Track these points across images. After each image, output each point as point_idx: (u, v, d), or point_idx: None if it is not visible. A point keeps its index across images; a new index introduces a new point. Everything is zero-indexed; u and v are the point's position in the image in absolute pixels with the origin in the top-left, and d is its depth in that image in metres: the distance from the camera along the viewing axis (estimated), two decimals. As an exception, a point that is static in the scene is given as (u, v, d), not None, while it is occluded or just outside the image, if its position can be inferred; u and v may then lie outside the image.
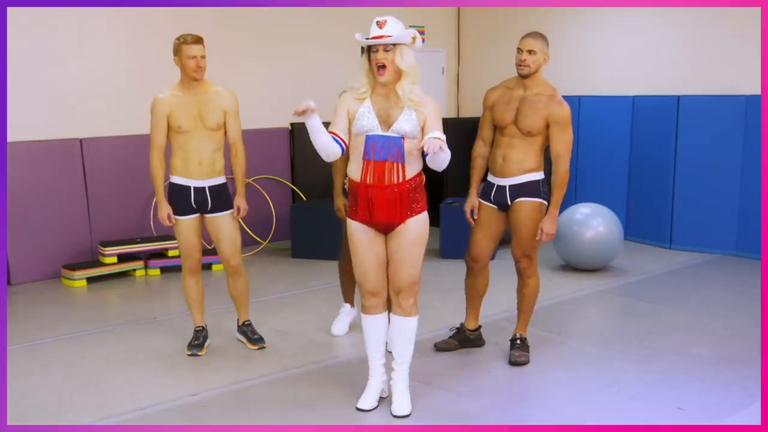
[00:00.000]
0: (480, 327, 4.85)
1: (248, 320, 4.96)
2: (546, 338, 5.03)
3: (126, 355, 4.84)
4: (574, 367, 4.57)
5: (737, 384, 4.27)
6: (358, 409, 3.93)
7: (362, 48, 3.72)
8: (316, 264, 7.06)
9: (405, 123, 3.63)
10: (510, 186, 4.43)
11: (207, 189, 4.59)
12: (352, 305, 5.25)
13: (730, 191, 7.26)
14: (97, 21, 6.94)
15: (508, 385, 4.36)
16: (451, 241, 7.23)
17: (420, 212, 3.76)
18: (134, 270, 6.82)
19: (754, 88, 7.04)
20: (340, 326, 5.17)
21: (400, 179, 3.67)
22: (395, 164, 3.65)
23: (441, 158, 3.58)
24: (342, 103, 3.78)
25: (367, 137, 3.66)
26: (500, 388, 4.29)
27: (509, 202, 4.46)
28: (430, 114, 3.69)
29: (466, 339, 4.82)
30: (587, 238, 6.62)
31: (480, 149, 4.58)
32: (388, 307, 3.96)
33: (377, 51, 3.61)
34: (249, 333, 4.91)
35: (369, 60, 3.67)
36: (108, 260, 6.65)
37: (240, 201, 4.68)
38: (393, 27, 3.60)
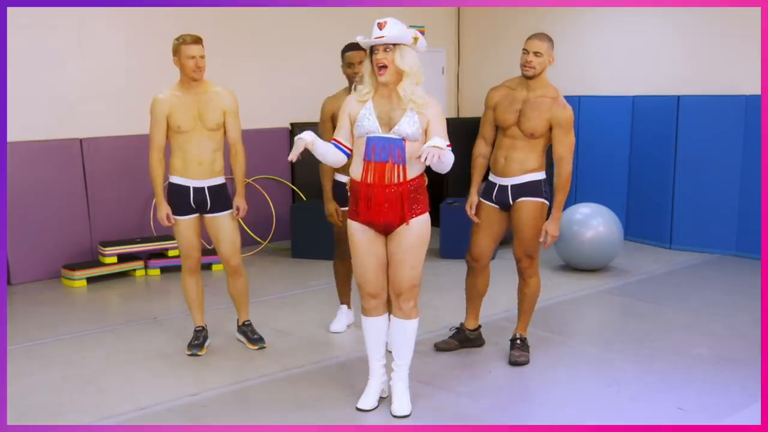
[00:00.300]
0: (480, 327, 4.85)
1: (248, 320, 4.96)
2: (546, 338, 5.03)
3: (126, 355, 4.84)
4: (574, 367, 4.57)
5: (737, 384, 4.27)
6: (358, 409, 3.93)
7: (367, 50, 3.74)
8: (316, 264, 7.06)
9: (407, 125, 3.63)
10: (512, 186, 4.43)
11: (206, 189, 4.59)
12: (349, 306, 5.25)
13: (730, 191, 7.26)
14: (97, 21, 6.94)
15: (508, 385, 4.36)
16: (451, 241, 7.23)
17: (421, 213, 3.75)
18: (134, 270, 6.82)
19: (754, 88, 7.04)
20: (338, 325, 5.18)
21: (401, 180, 3.66)
22: (396, 165, 3.65)
23: (445, 162, 3.58)
24: (344, 108, 3.80)
25: (368, 139, 3.66)
26: (500, 388, 4.29)
27: (511, 202, 4.46)
28: (433, 117, 3.67)
29: (465, 339, 4.82)
30: (587, 238, 6.62)
31: (481, 148, 4.58)
32: (389, 308, 3.95)
33: (377, 52, 3.61)
34: (249, 333, 4.91)
35: (371, 61, 3.67)
36: (108, 260, 6.65)
37: (239, 201, 4.68)
38: (392, 28, 3.59)
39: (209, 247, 6.21)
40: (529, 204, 4.42)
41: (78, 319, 5.57)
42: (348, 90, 4.82)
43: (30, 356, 4.81)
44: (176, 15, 7.13)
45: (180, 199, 4.59)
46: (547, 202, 4.46)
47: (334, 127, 4.73)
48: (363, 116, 3.68)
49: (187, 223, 4.62)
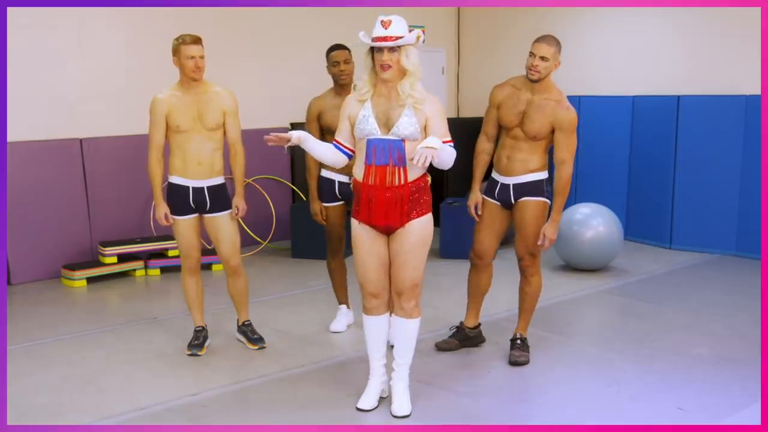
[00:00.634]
0: (479, 325, 4.85)
1: (248, 320, 4.96)
2: (546, 338, 5.03)
3: (126, 355, 4.84)
4: (574, 367, 4.57)
5: (737, 384, 4.27)
6: (358, 409, 3.93)
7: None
8: (316, 264, 7.05)
9: (404, 126, 3.61)
10: (514, 185, 4.44)
11: (206, 189, 4.59)
12: (348, 306, 5.26)
13: (730, 191, 7.26)
14: (97, 21, 6.94)
15: (508, 385, 4.36)
16: (451, 241, 7.23)
17: (424, 214, 3.75)
18: (134, 270, 6.82)
19: (754, 88, 7.04)
20: (338, 325, 5.19)
21: (402, 182, 3.66)
22: (396, 168, 3.64)
23: (443, 159, 3.58)
24: (344, 109, 3.79)
25: (368, 141, 3.65)
26: (500, 388, 4.29)
27: (513, 201, 4.47)
28: (432, 115, 3.66)
29: (466, 337, 4.82)
30: (587, 238, 6.62)
31: (483, 145, 4.58)
32: (390, 307, 3.95)
33: (382, 52, 3.58)
34: (249, 333, 4.91)
35: (372, 59, 3.64)
36: (108, 260, 6.65)
37: (239, 201, 4.68)
38: (399, 27, 3.56)
39: (209, 247, 6.21)
40: (531, 203, 4.43)
41: (78, 319, 5.57)
42: (334, 90, 4.88)
43: (30, 356, 4.81)
44: (176, 15, 7.13)
45: (179, 199, 4.59)
46: (548, 201, 4.46)
47: (320, 127, 4.83)
48: (363, 118, 3.66)
49: (186, 223, 4.62)
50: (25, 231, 6.55)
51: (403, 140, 3.63)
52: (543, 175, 4.44)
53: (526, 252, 4.51)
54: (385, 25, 3.56)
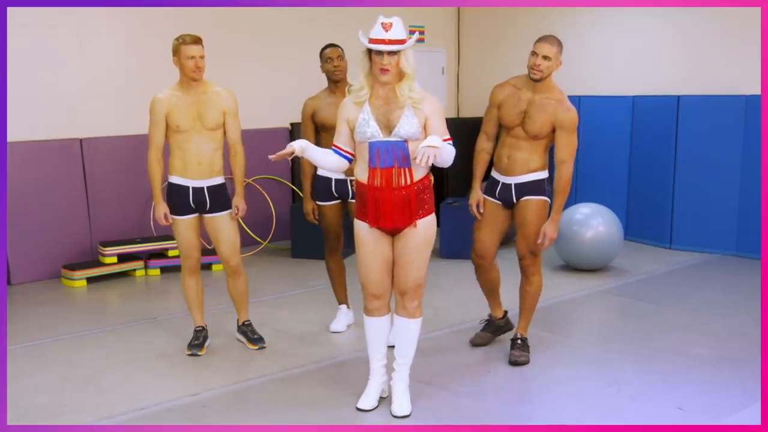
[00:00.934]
0: (506, 313, 4.88)
1: (248, 320, 4.96)
2: (546, 338, 5.03)
3: (126, 355, 4.84)
4: (574, 367, 4.57)
5: (737, 384, 4.27)
6: (358, 409, 3.93)
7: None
8: (316, 264, 7.05)
9: (406, 127, 3.61)
10: (515, 185, 4.44)
11: (206, 189, 4.59)
12: (348, 306, 5.26)
13: (730, 191, 7.26)
14: (97, 21, 6.94)
15: (508, 385, 4.36)
16: (451, 241, 7.23)
17: (428, 214, 3.75)
18: (134, 270, 6.82)
19: (754, 88, 7.04)
20: (338, 325, 5.19)
21: (408, 182, 3.66)
22: (401, 169, 3.64)
23: (444, 158, 3.57)
24: (341, 113, 3.77)
25: (371, 144, 3.64)
26: (500, 388, 4.30)
27: (515, 200, 4.47)
28: (431, 114, 3.66)
29: (496, 328, 4.88)
30: (587, 238, 6.62)
31: (483, 144, 4.58)
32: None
33: (382, 56, 3.56)
34: (249, 333, 4.91)
35: (370, 59, 3.63)
36: (108, 260, 6.65)
37: (239, 201, 4.68)
38: (399, 30, 3.56)
39: (209, 247, 6.21)
40: (533, 202, 4.43)
41: (78, 319, 5.57)
42: (328, 89, 4.89)
43: (30, 356, 4.81)
44: (176, 15, 7.13)
45: (179, 199, 4.59)
46: (549, 200, 4.46)
47: (315, 126, 4.87)
48: (363, 122, 3.64)
49: (186, 223, 4.62)
50: (25, 231, 6.55)
51: (405, 141, 3.62)
52: (544, 174, 4.45)
53: (528, 251, 4.51)
54: (386, 27, 3.54)
